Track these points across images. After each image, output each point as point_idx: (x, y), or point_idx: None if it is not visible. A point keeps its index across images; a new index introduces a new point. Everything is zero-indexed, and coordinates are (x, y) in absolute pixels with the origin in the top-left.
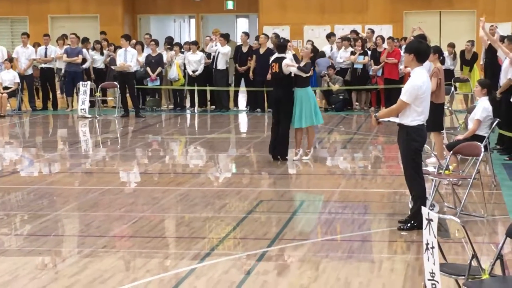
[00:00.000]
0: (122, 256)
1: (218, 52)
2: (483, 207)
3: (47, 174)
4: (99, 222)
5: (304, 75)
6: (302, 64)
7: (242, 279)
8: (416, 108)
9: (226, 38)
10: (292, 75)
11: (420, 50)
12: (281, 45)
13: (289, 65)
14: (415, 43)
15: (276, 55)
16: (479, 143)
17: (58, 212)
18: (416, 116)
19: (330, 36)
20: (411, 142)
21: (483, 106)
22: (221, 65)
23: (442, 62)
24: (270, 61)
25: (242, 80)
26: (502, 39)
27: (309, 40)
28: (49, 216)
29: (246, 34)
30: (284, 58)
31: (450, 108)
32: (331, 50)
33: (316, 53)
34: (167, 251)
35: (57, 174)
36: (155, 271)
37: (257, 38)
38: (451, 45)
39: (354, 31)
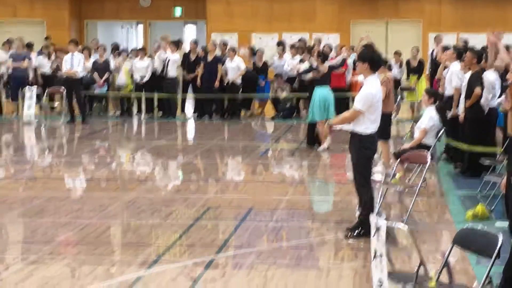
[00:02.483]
0: (68, 263)
1: (168, 59)
2: (428, 216)
3: None
4: (45, 229)
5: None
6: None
7: (189, 286)
8: (370, 116)
9: (176, 45)
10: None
11: (374, 59)
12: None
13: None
14: (369, 52)
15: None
16: (425, 152)
17: (2, 219)
18: (369, 124)
19: (279, 44)
20: (363, 150)
21: (430, 115)
22: (171, 72)
23: (389, 69)
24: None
25: (190, 86)
26: (445, 49)
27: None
28: None
29: (195, 42)
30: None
31: (396, 117)
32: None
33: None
34: (114, 258)
35: (1, 180)
36: (102, 278)
37: (203, 48)
38: (398, 53)
39: (302, 40)
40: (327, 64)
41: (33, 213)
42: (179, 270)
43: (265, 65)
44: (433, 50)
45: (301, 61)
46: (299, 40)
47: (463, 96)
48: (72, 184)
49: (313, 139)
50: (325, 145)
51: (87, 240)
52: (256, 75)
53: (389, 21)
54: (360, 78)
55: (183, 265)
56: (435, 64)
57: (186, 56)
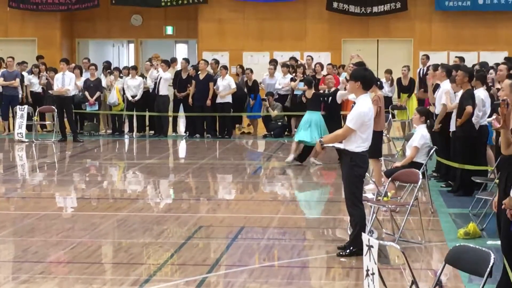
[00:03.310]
0: (59, 282)
1: (160, 78)
2: (420, 234)
3: None
4: (36, 248)
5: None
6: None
7: None
8: (361, 134)
9: (166, 64)
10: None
11: (366, 77)
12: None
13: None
14: (361, 71)
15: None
16: (417, 170)
17: None
18: (361, 143)
19: (271, 62)
20: (354, 168)
21: (421, 134)
22: (163, 90)
23: (380, 87)
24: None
25: (181, 105)
26: (436, 67)
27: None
28: None
29: (187, 61)
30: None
31: (387, 135)
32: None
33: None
34: (106, 277)
35: None
36: None
37: (195, 65)
38: (389, 72)
39: (293, 58)
40: (313, 90)
41: (24, 232)
42: None
43: (255, 84)
44: (420, 69)
45: (292, 79)
46: (290, 58)
47: (454, 114)
48: (63, 203)
49: (304, 156)
50: (290, 158)
51: (78, 259)
52: (246, 94)
53: (380, 39)
54: (351, 97)
55: (175, 284)
56: (424, 83)
57: (177, 75)
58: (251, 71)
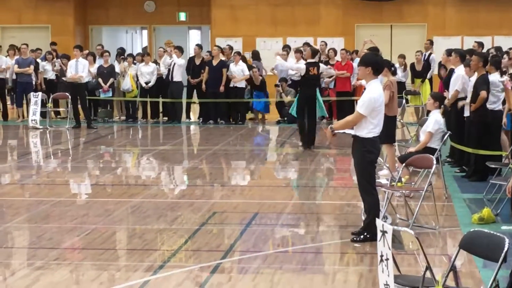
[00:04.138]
0: (74, 269)
1: (174, 64)
2: (434, 219)
3: None
4: (51, 234)
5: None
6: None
7: None
8: (372, 120)
9: (180, 50)
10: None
11: (377, 63)
12: (315, 51)
13: (331, 68)
14: (372, 56)
15: (309, 60)
16: (431, 156)
17: (8, 224)
18: (371, 129)
19: (284, 48)
20: (366, 154)
21: (435, 119)
22: (177, 77)
23: (394, 73)
24: (306, 65)
25: (195, 91)
26: (449, 52)
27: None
28: None
29: (200, 47)
30: (317, 62)
31: (401, 121)
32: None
33: None
34: (120, 264)
35: (7, 185)
36: (108, 283)
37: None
38: (402, 56)
39: (307, 44)
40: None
41: (39, 218)
42: (185, 275)
43: (263, 84)
44: (424, 55)
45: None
46: (304, 44)
47: (468, 99)
48: (77, 190)
49: (309, 141)
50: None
51: (93, 246)
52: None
53: (393, 24)
54: (363, 82)
55: (189, 270)
56: (413, 68)
57: (191, 61)
58: (259, 69)
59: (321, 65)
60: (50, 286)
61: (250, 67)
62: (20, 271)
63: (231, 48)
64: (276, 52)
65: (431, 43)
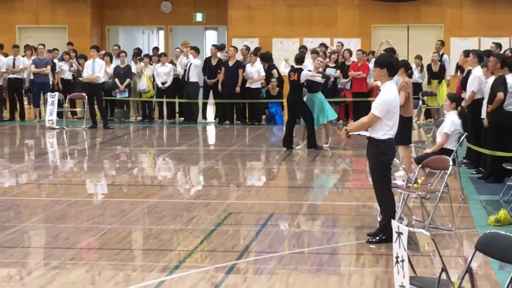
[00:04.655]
0: (90, 269)
1: (190, 64)
2: (451, 221)
3: (14, 185)
4: (67, 234)
5: (322, 81)
6: (315, 73)
7: None
8: (387, 122)
9: (196, 50)
10: (304, 83)
11: (393, 64)
12: (300, 58)
13: (314, 75)
14: (387, 57)
15: (294, 65)
16: (447, 157)
17: (25, 224)
18: (387, 130)
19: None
20: (381, 155)
21: (452, 120)
22: (193, 77)
23: (410, 76)
24: (288, 71)
25: (211, 92)
26: (467, 53)
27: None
28: (16, 228)
29: (216, 47)
30: (301, 69)
31: (418, 122)
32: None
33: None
34: (136, 264)
35: (24, 185)
36: (124, 283)
37: (219, 47)
38: (418, 57)
39: (323, 44)
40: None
41: (55, 218)
42: (201, 275)
43: (279, 94)
44: (441, 54)
45: (327, 66)
46: (320, 45)
47: (485, 100)
48: (93, 190)
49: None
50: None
51: (109, 246)
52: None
53: (410, 25)
54: (379, 82)
55: (204, 270)
56: (430, 69)
57: (207, 61)
58: (278, 79)
59: (304, 72)
60: (66, 285)
61: (269, 76)
62: (36, 271)
63: (248, 49)
64: (285, 57)
65: (442, 43)
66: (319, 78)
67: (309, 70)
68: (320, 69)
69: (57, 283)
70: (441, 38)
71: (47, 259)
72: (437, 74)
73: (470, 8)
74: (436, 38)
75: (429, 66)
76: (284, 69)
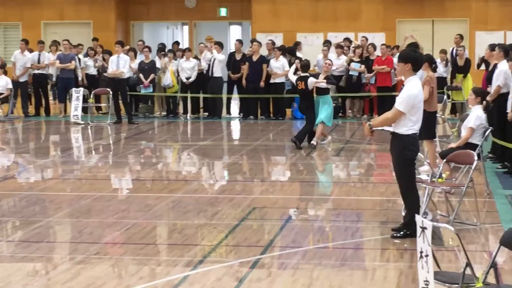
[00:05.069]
0: (114, 263)
1: (214, 59)
2: (476, 216)
3: (40, 180)
4: (92, 229)
5: (330, 86)
6: (322, 77)
7: (235, 286)
8: (411, 117)
9: (220, 45)
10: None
11: (417, 59)
12: (305, 65)
13: (318, 82)
14: (411, 52)
15: (300, 74)
16: (472, 152)
17: (50, 219)
18: (411, 126)
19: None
20: (405, 151)
21: (477, 114)
22: (217, 72)
23: (434, 70)
24: (295, 80)
25: (235, 87)
26: (493, 47)
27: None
28: (41, 223)
29: (240, 42)
30: (307, 76)
31: (442, 116)
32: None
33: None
34: (160, 258)
35: (49, 180)
36: (148, 278)
37: (252, 41)
38: (443, 52)
39: (347, 39)
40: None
41: (80, 213)
42: (225, 270)
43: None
44: (452, 49)
45: (352, 61)
46: (344, 39)
47: (511, 95)
48: (118, 184)
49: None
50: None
51: (133, 240)
52: None
53: (435, 19)
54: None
55: (229, 265)
56: (455, 63)
57: (231, 56)
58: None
59: (311, 79)
60: (90, 280)
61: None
62: (62, 265)
63: (273, 43)
64: (296, 63)
65: (461, 37)
66: (323, 84)
67: (319, 73)
68: (328, 73)
69: (82, 277)
70: (467, 32)
71: (72, 254)
72: (462, 68)
73: (496, 1)
74: (462, 32)
75: (454, 60)
76: (292, 76)
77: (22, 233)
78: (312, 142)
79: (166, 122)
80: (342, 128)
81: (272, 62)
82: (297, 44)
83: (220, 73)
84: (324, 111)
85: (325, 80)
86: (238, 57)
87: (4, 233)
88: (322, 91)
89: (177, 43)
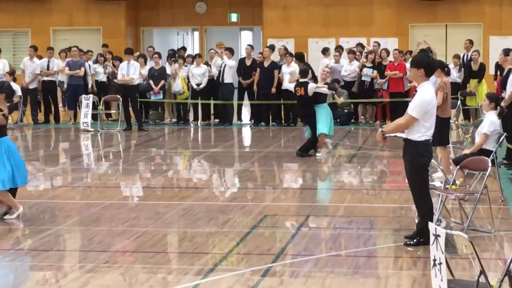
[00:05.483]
0: (124, 272)
1: (225, 65)
2: (490, 223)
3: (49, 188)
4: (101, 237)
5: (330, 92)
6: (322, 84)
7: None
8: (424, 123)
9: (231, 51)
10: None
11: (430, 64)
12: (304, 71)
13: (319, 87)
14: (424, 58)
15: (299, 80)
16: (486, 158)
17: (59, 227)
18: (424, 132)
19: (326, 50)
20: (418, 157)
21: (491, 120)
22: (227, 78)
23: (448, 73)
24: (294, 86)
25: (246, 93)
26: (507, 52)
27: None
28: (51, 231)
29: (251, 47)
30: (307, 82)
31: (456, 122)
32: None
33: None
34: (170, 267)
35: (59, 188)
36: (158, 287)
37: (269, 47)
38: (457, 57)
39: (360, 44)
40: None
41: (90, 221)
42: (236, 278)
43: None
44: (464, 54)
45: (364, 66)
46: (357, 45)
47: None
48: (128, 192)
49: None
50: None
51: (143, 248)
52: None
53: (448, 24)
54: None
55: (240, 273)
56: (469, 68)
57: (241, 62)
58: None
59: (311, 84)
60: None
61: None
62: (71, 274)
63: (286, 49)
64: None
65: (471, 42)
66: (325, 90)
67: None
68: (327, 80)
69: (91, 286)
70: (480, 37)
71: (82, 262)
72: (476, 74)
73: (510, 6)
74: (475, 37)
75: (468, 65)
76: (288, 84)
77: (32, 241)
78: (317, 155)
79: (177, 129)
80: (354, 135)
81: (284, 68)
82: (326, 50)
83: (230, 79)
84: (323, 121)
85: (326, 86)
86: (248, 62)
87: (13, 241)
88: (319, 100)
89: (184, 48)
